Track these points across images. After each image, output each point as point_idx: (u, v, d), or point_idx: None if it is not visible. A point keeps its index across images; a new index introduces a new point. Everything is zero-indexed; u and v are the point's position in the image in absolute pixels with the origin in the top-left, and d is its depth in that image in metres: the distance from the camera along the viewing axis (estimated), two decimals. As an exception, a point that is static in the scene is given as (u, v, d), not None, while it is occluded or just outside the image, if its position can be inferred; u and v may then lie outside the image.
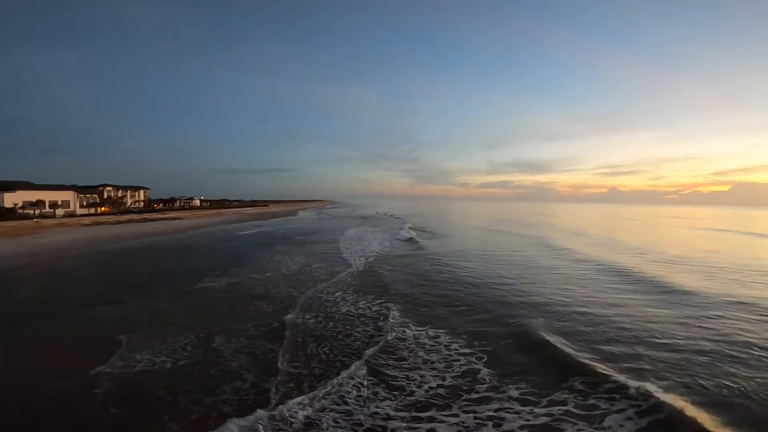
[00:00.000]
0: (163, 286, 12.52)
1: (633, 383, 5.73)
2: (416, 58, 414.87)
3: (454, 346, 7.46)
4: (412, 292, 11.74)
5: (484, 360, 6.77)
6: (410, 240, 26.38)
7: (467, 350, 7.24)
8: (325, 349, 7.29)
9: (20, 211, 42.62)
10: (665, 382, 5.86)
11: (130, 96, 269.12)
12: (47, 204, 46.89)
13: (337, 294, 11.43)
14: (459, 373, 6.27)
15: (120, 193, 67.95)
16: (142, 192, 74.87)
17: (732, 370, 6.35)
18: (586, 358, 6.77)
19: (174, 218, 50.80)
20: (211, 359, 6.77)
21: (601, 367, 6.37)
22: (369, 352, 7.09)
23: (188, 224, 42.23)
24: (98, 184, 64.04)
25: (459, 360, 6.79)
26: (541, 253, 20.24)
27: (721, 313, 9.55)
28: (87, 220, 41.42)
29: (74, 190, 54.70)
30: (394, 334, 8.06)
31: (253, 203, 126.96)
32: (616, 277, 14.21)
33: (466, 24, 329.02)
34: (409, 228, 35.62)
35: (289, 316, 9.10)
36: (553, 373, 6.26)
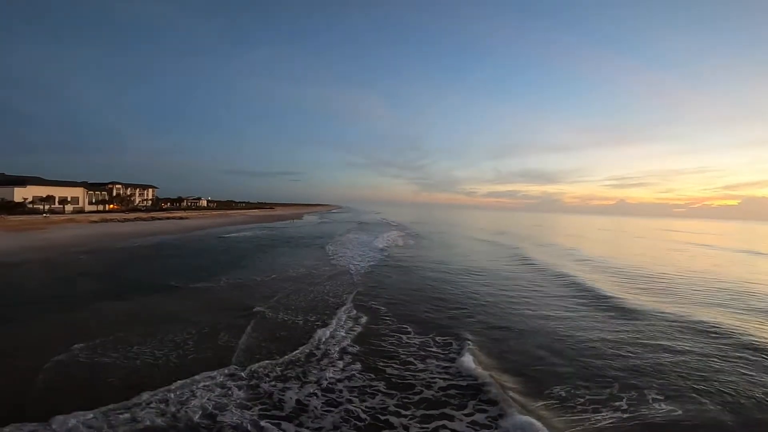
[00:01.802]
0: (161, 284, 12.53)
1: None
2: (424, 66, 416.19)
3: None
4: (379, 293, 12.44)
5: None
6: (397, 247, 26.56)
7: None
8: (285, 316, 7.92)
9: (30, 205, 43.33)
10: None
11: (142, 95, 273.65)
12: (57, 200, 47.61)
13: (312, 289, 12.51)
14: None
15: (129, 191, 68.90)
16: (150, 191, 75.86)
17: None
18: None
19: (180, 218, 51.26)
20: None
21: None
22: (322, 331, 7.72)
23: (194, 224, 42.53)
24: (108, 181, 65.04)
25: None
26: (512, 267, 19.67)
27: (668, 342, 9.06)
28: (95, 217, 41.94)
29: (84, 187, 55.59)
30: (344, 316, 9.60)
31: (260, 205, 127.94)
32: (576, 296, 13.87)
33: (475, 33, 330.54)
34: (402, 236, 35.96)
35: (258, 308, 10.01)
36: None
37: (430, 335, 8.42)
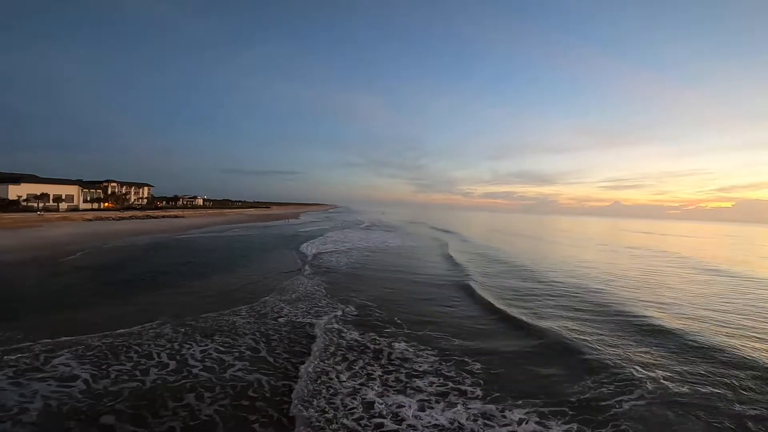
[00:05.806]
0: (149, 283, 12.82)
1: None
2: (422, 66, 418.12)
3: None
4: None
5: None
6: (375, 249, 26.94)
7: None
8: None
9: (24, 203, 43.24)
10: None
11: (138, 93, 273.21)
12: (51, 198, 47.49)
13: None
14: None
15: (124, 190, 68.77)
16: (146, 189, 75.70)
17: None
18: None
19: (176, 216, 51.31)
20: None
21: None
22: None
23: (189, 223, 42.61)
24: (103, 179, 64.93)
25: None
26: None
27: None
28: (89, 215, 41.94)
29: (79, 185, 55.45)
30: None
31: (256, 204, 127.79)
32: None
33: (473, 34, 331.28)
34: (378, 234, 37.99)
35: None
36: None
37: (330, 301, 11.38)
